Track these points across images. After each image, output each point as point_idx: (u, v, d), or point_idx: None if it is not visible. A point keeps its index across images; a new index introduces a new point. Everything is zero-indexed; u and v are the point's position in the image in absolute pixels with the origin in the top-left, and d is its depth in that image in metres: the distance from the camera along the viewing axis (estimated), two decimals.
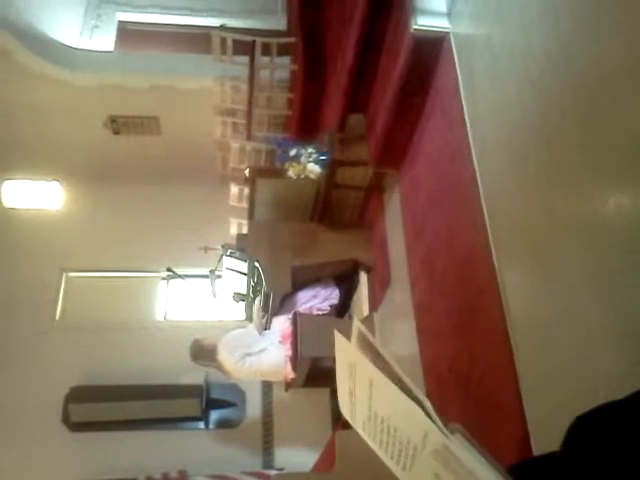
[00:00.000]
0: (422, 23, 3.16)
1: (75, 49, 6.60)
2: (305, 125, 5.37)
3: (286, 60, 5.91)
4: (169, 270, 5.89)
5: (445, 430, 0.93)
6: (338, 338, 1.07)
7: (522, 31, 2.38)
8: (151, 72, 6.37)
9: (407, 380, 0.97)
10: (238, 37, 5.44)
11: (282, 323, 4.60)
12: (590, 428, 1.09)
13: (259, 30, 6.44)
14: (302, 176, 4.43)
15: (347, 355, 1.08)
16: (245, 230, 5.53)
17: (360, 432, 1.18)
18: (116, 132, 6.82)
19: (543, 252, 2.18)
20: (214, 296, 5.34)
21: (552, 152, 2.11)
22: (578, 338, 1.93)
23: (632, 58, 1.69)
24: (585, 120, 1.91)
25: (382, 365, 1.02)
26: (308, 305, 4.79)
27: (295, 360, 4.31)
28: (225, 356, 4.44)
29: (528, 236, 2.30)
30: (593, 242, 1.86)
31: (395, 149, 3.85)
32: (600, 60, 1.84)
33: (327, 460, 3.29)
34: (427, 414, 0.94)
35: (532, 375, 2.23)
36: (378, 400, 1.05)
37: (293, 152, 4.49)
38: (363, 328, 1.08)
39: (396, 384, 0.97)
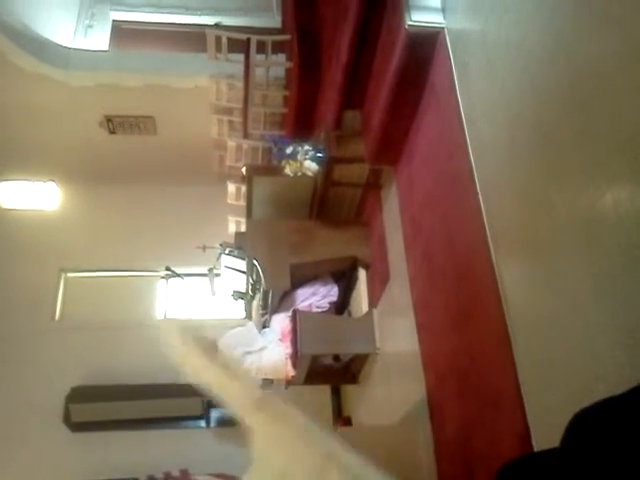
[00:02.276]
0: (416, 19, 3.15)
1: (69, 49, 6.59)
2: (301, 122, 5.36)
3: (281, 58, 5.91)
4: (168, 269, 5.91)
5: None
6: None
7: (517, 25, 2.37)
8: (146, 71, 6.36)
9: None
10: (233, 35, 5.43)
11: (281, 321, 4.61)
12: (589, 424, 1.10)
13: (254, 28, 6.44)
14: (299, 173, 4.43)
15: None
16: (243, 228, 5.53)
17: None
18: (112, 132, 6.82)
19: (541, 248, 2.18)
20: (213, 294, 5.35)
21: (549, 147, 2.11)
22: (577, 334, 1.93)
23: (628, 52, 1.69)
24: (582, 115, 1.91)
25: None
26: (307, 303, 4.79)
27: (295, 357, 4.32)
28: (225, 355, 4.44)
29: (526, 232, 2.30)
30: (592, 238, 1.86)
31: (391, 145, 3.84)
32: (596, 54, 1.84)
33: None
34: None
35: (532, 371, 2.23)
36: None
37: (289, 150, 4.49)
38: None
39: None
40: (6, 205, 6.60)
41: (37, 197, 6.68)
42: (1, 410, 5.97)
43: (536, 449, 2.12)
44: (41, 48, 6.28)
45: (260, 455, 1.19)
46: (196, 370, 1.27)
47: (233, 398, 1.21)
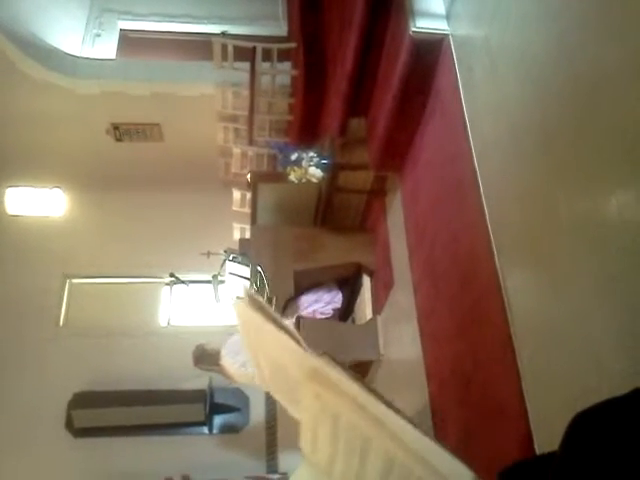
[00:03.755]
0: (421, 25, 3.16)
1: (77, 57, 6.64)
2: (306, 130, 5.38)
3: (287, 65, 5.94)
4: (172, 275, 5.90)
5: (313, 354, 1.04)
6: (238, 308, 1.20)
7: (521, 31, 2.38)
8: (153, 79, 6.41)
9: (288, 326, 1.15)
10: (239, 43, 5.47)
11: None
12: (589, 425, 1.09)
13: (260, 36, 6.47)
14: (304, 180, 4.44)
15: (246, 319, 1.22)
16: (248, 235, 5.53)
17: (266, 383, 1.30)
18: (118, 139, 6.86)
19: (545, 253, 2.17)
20: (217, 301, 5.34)
21: (553, 152, 2.11)
22: (581, 338, 1.92)
23: (632, 56, 1.69)
24: (586, 119, 1.91)
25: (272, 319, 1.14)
26: (311, 309, 4.78)
27: None
28: (228, 361, 4.43)
29: (530, 237, 2.29)
30: (596, 242, 1.85)
31: (396, 152, 3.85)
32: (600, 58, 1.84)
33: None
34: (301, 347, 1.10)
35: (535, 376, 2.22)
36: (271, 348, 1.21)
37: (294, 156, 4.50)
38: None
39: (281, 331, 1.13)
40: (12, 211, 6.62)
41: (43, 204, 6.71)
42: (4, 416, 5.97)
43: (538, 452, 2.11)
44: (49, 56, 6.34)
45: (308, 432, 1.16)
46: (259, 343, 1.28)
47: (288, 368, 1.21)
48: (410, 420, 1.02)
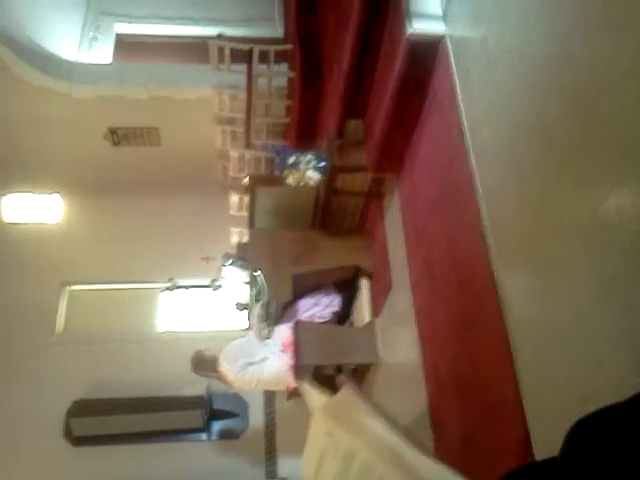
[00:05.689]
0: (417, 27, 3.14)
1: (73, 62, 6.65)
2: (304, 132, 5.36)
3: (284, 67, 5.92)
4: (171, 281, 5.88)
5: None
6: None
7: (518, 32, 2.36)
8: (150, 83, 6.40)
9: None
10: (235, 45, 5.44)
11: (284, 331, 4.57)
12: (589, 432, 1.07)
13: (256, 38, 6.44)
14: (301, 183, 4.41)
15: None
16: (246, 239, 5.51)
17: None
18: (116, 144, 6.84)
19: (543, 254, 2.15)
20: (216, 305, 5.31)
21: (551, 153, 2.09)
22: (580, 340, 1.91)
23: (631, 57, 1.67)
24: (584, 120, 1.89)
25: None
26: (309, 313, 4.76)
27: (296, 369, 4.28)
28: (226, 367, 4.41)
29: (527, 238, 2.28)
30: (594, 243, 1.84)
31: (393, 154, 3.83)
32: (599, 60, 1.82)
33: None
34: None
35: (533, 378, 2.20)
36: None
37: (292, 159, 4.47)
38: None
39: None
40: (9, 219, 6.60)
41: (40, 210, 6.69)
42: (2, 424, 5.94)
43: (537, 457, 2.10)
44: (45, 62, 6.33)
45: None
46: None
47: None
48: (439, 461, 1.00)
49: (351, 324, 5.03)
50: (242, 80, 5.47)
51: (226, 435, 6.09)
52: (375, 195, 4.50)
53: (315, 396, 1.13)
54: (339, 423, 1.04)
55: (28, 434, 5.90)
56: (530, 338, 2.24)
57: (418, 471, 0.95)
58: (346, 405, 1.06)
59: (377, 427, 1.03)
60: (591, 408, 1.20)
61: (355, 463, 1.03)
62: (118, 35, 7.30)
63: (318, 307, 4.78)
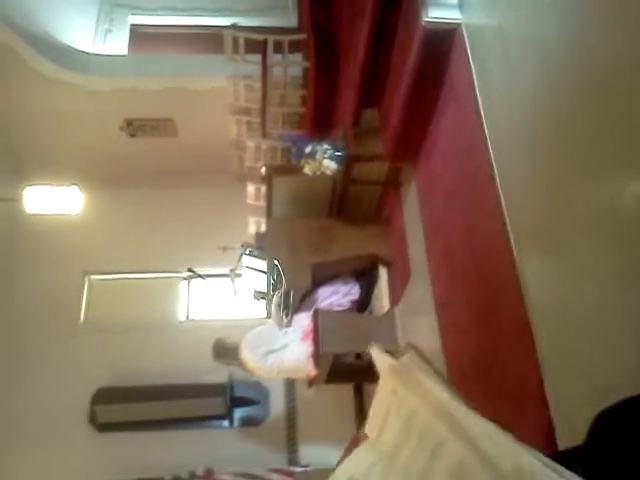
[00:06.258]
0: (433, 15, 3.13)
1: (89, 54, 6.67)
2: (319, 121, 5.36)
3: (298, 57, 5.91)
4: (190, 270, 5.93)
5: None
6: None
7: (534, 20, 2.36)
8: (165, 74, 6.41)
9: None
10: (250, 35, 5.44)
11: (303, 320, 4.61)
12: (612, 424, 1.09)
13: (270, 28, 6.44)
14: (318, 173, 4.43)
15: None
16: (263, 228, 5.54)
17: None
18: (132, 135, 6.88)
19: (563, 244, 2.16)
20: (235, 294, 5.37)
21: (568, 142, 2.09)
22: (600, 329, 1.92)
23: None
24: (601, 110, 1.89)
25: None
26: (328, 301, 4.79)
27: (316, 357, 4.32)
28: (247, 354, 4.46)
29: (547, 227, 2.28)
30: (614, 233, 1.84)
31: (410, 143, 3.83)
32: (615, 48, 1.82)
33: None
34: None
35: (555, 366, 2.22)
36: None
37: (308, 149, 4.49)
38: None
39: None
40: (31, 210, 6.68)
41: (60, 201, 6.75)
42: (29, 412, 6.05)
43: (560, 444, 2.11)
44: (61, 54, 6.36)
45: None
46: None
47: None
48: (490, 422, 1.03)
49: (370, 312, 5.05)
50: (257, 70, 5.46)
51: (248, 422, 6.16)
52: (392, 184, 4.50)
53: (382, 359, 1.19)
54: (403, 383, 1.10)
55: (54, 421, 6.01)
56: (551, 326, 2.25)
57: (475, 440, 0.98)
58: (410, 367, 1.12)
59: (437, 390, 1.07)
60: (611, 395, 1.21)
61: (416, 422, 1.07)
62: (132, 27, 7.32)
63: (337, 295, 4.81)
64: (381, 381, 1.20)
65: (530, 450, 0.99)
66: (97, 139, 6.83)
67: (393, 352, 3.99)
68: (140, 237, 7.00)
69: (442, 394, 1.07)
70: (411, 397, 1.09)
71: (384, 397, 1.18)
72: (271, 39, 5.32)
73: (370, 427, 1.25)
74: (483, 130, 2.83)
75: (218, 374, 5.85)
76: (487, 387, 2.84)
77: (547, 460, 0.96)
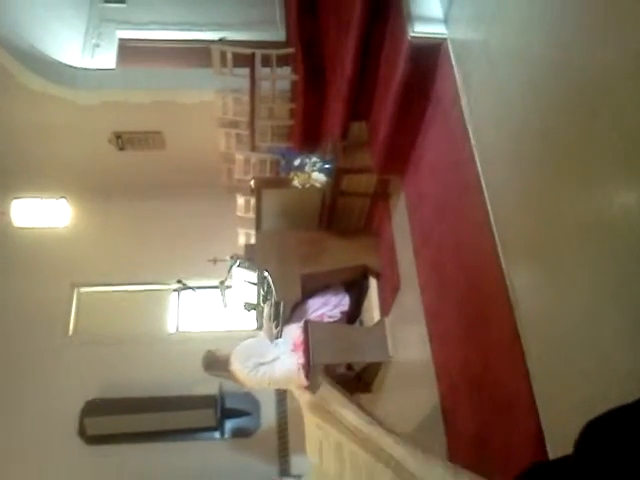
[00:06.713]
0: (419, 30, 3.17)
1: (77, 68, 6.69)
2: (308, 134, 5.40)
3: (287, 70, 5.95)
4: (179, 282, 5.94)
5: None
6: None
7: (520, 35, 2.39)
8: (153, 88, 6.45)
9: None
10: (237, 50, 5.48)
11: (293, 331, 4.62)
12: (601, 433, 1.12)
13: (258, 42, 6.49)
14: (307, 185, 4.45)
15: None
16: (253, 240, 5.56)
17: None
18: (121, 148, 6.90)
19: (551, 255, 2.19)
20: (225, 306, 5.37)
21: (555, 155, 2.13)
22: (589, 339, 1.95)
23: (634, 60, 1.71)
24: (587, 123, 1.93)
25: None
26: (319, 313, 4.80)
27: (307, 368, 4.33)
28: (238, 366, 4.45)
29: (535, 239, 2.31)
30: (601, 244, 1.87)
31: (398, 156, 3.87)
32: (601, 63, 1.85)
33: None
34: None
35: (545, 376, 2.24)
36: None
37: (297, 162, 4.52)
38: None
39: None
40: (19, 223, 6.65)
41: (49, 214, 6.74)
42: (17, 425, 6.02)
43: (550, 453, 2.14)
44: (49, 69, 6.38)
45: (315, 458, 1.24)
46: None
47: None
48: (412, 440, 1.07)
49: (361, 323, 5.07)
50: (245, 83, 5.51)
51: (239, 433, 6.16)
52: (381, 196, 4.54)
53: (301, 396, 1.25)
54: (321, 417, 1.15)
55: (43, 434, 5.98)
56: (540, 336, 2.28)
57: (386, 448, 1.04)
58: (326, 399, 1.16)
59: (351, 417, 1.13)
60: (601, 405, 1.24)
61: (344, 454, 1.13)
62: (120, 41, 7.34)
63: (327, 307, 4.83)
64: (305, 418, 1.26)
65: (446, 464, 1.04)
66: (86, 152, 6.84)
67: (384, 363, 4.02)
68: (129, 249, 7.01)
69: (356, 419, 1.12)
70: (332, 429, 1.14)
71: (313, 431, 1.23)
72: (259, 53, 5.36)
73: (310, 453, 1.30)
74: (470, 143, 2.86)
75: (208, 386, 5.85)
76: (477, 397, 2.87)
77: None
